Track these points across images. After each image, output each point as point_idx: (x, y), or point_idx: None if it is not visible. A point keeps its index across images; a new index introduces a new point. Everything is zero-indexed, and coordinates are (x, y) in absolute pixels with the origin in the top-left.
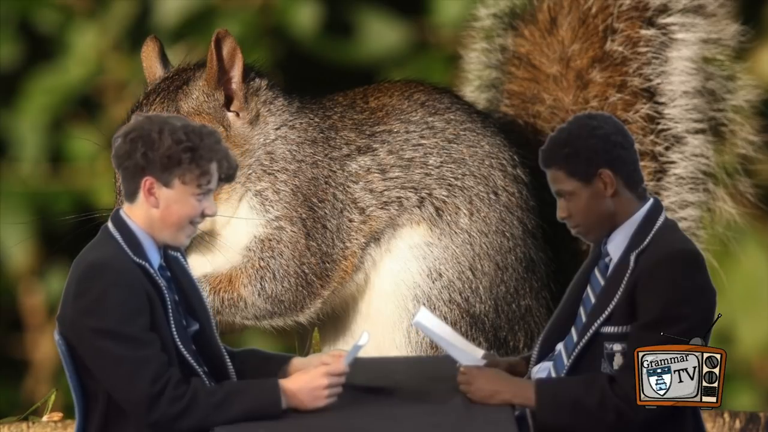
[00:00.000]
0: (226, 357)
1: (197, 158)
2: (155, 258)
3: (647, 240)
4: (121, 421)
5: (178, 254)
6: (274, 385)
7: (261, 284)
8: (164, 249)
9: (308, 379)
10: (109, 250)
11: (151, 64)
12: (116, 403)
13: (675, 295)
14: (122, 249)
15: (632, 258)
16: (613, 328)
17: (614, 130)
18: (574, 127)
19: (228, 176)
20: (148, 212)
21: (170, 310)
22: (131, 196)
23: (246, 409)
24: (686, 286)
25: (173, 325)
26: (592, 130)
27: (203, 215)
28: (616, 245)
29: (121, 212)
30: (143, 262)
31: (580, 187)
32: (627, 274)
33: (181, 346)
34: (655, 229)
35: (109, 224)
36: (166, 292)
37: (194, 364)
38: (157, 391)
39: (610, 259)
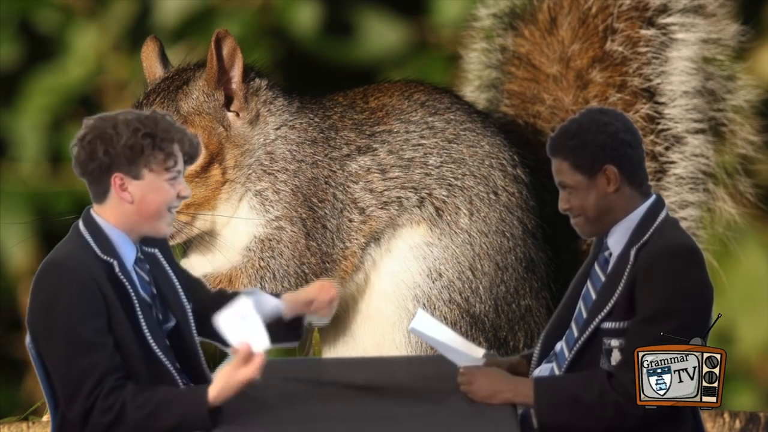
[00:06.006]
0: (201, 353)
1: (158, 142)
2: (129, 254)
3: (647, 235)
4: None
5: (155, 250)
6: (201, 400)
7: (261, 284)
8: (141, 243)
9: (226, 376)
10: (71, 248)
11: (151, 64)
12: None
13: (673, 289)
14: (85, 247)
15: (632, 253)
16: (613, 323)
17: (624, 128)
18: (585, 120)
19: (191, 155)
20: (122, 209)
21: (137, 308)
22: (101, 197)
23: (173, 423)
24: (684, 281)
25: (143, 322)
26: (602, 125)
27: (179, 198)
28: (616, 240)
29: (91, 211)
30: (111, 260)
31: (582, 180)
32: (627, 269)
33: (152, 343)
34: (655, 225)
35: (79, 223)
36: (131, 290)
37: (165, 360)
38: (89, 405)
39: (610, 254)
